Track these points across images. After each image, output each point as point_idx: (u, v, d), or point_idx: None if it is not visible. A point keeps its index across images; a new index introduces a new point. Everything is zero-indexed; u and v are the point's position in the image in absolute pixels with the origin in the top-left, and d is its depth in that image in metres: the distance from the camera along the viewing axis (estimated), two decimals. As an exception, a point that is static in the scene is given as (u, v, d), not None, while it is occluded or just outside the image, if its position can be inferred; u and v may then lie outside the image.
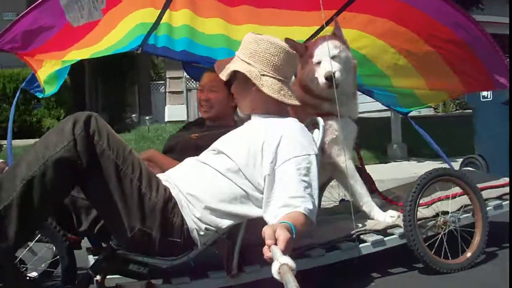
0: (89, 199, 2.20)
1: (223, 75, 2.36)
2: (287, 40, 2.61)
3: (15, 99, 3.09)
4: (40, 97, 3.12)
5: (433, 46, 3.21)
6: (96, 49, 2.92)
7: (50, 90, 3.02)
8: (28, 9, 2.38)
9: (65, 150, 1.97)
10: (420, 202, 2.82)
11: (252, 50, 2.31)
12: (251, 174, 2.20)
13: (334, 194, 3.68)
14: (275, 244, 1.44)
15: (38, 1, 2.38)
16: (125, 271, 2.41)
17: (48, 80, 2.90)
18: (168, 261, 2.27)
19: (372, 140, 7.28)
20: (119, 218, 2.11)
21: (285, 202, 1.98)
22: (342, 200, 3.63)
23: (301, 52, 2.81)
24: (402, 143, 7.35)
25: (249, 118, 2.48)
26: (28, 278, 2.39)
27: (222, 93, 2.90)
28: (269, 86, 2.28)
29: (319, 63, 2.81)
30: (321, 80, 2.78)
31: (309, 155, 2.15)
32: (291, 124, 2.29)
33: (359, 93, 3.31)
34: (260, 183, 2.17)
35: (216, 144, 2.39)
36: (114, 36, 2.95)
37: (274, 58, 2.31)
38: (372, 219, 2.91)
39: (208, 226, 2.22)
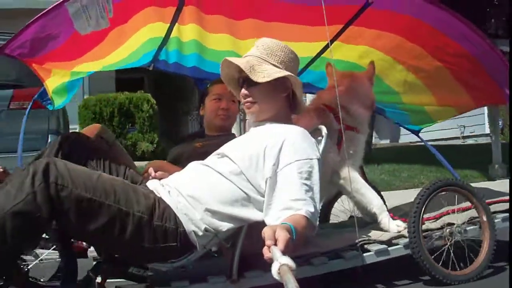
0: (76, 238, 2.28)
1: (259, 78, 2.30)
2: None
3: (28, 109, 3.17)
4: (51, 109, 3.18)
5: (441, 61, 3.22)
6: (106, 62, 2.97)
7: (59, 101, 3.09)
8: (37, 16, 2.45)
9: (23, 203, 1.95)
10: (428, 216, 2.80)
11: (282, 57, 2.36)
12: (253, 177, 2.21)
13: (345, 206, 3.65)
14: (275, 244, 1.45)
15: (47, 9, 2.45)
16: (125, 274, 2.44)
17: (57, 91, 2.96)
18: (167, 264, 2.28)
19: (474, 160, 7.73)
20: (109, 245, 2.17)
21: (287, 205, 1.99)
22: (351, 217, 3.60)
23: None
24: (502, 163, 7.51)
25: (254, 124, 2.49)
26: (35, 280, 2.42)
27: (237, 105, 2.96)
28: (299, 96, 2.38)
29: None
30: None
31: (311, 159, 2.15)
32: (294, 129, 2.31)
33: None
34: (261, 186, 2.18)
35: (222, 149, 2.41)
36: (125, 50, 3.00)
37: (295, 68, 2.41)
38: (379, 228, 2.89)
39: (207, 227, 2.22)
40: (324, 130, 2.60)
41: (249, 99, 2.39)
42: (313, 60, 3.57)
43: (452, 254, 2.72)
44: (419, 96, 3.59)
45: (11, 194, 1.98)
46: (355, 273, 2.72)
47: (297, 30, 3.20)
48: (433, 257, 2.69)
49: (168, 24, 3.09)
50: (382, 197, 3.26)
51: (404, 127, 4.16)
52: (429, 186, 2.80)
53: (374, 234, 2.82)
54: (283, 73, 2.31)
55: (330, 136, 2.88)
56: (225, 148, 2.39)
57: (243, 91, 2.40)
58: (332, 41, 3.17)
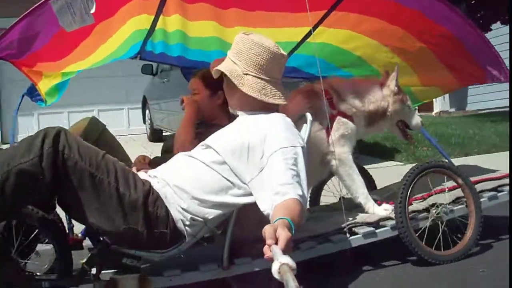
0: (70, 212, 2.32)
1: (214, 74, 2.44)
2: None
3: (18, 105, 3.19)
4: (42, 106, 3.22)
5: (425, 42, 3.25)
6: (95, 60, 2.98)
7: (51, 100, 3.13)
8: (22, 16, 2.46)
9: (29, 163, 2.05)
10: (415, 197, 2.86)
11: (238, 49, 2.38)
12: (236, 167, 2.26)
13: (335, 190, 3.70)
14: (276, 243, 1.45)
15: (31, 8, 2.46)
16: (119, 265, 2.48)
17: (50, 92, 2.99)
18: (159, 254, 2.34)
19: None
20: (103, 221, 2.21)
21: (276, 190, 2.00)
22: (342, 198, 3.65)
23: None
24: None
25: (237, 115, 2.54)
26: (30, 273, 2.47)
27: (202, 94, 2.98)
28: (250, 85, 2.33)
29: None
30: None
31: (295, 146, 2.19)
32: (276, 119, 2.34)
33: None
34: (245, 176, 2.23)
35: (206, 140, 2.46)
36: (111, 45, 3.01)
37: (257, 58, 2.35)
38: (366, 212, 2.95)
39: (194, 217, 2.27)
40: (309, 117, 2.63)
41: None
42: (298, 45, 3.58)
43: (440, 234, 2.78)
44: (405, 77, 3.60)
45: (20, 152, 2.09)
46: (343, 256, 2.77)
47: (280, 17, 3.21)
48: (420, 237, 2.75)
49: (153, 16, 3.10)
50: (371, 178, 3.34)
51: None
52: (415, 168, 2.85)
53: (362, 217, 2.88)
54: (221, 66, 2.36)
55: (320, 118, 2.94)
56: (209, 139, 2.44)
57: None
58: (316, 26, 3.22)
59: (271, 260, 1.36)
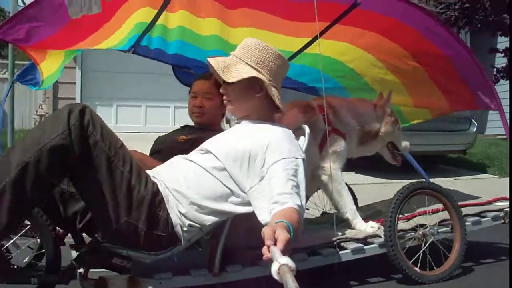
0: (78, 189, 2.24)
1: (230, 78, 2.33)
2: None
3: (6, 92, 3.14)
4: (34, 89, 3.18)
5: (420, 62, 3.31)
6: (102, 46, 2.97)
7: (46, 85, 3.08)
8: (29, 3, 2.43)
9: (60, 138, 2.03)
10: (401, 216, 2.90)
11: (260, 58, 2.34)
12: (237, 175, 2.24)
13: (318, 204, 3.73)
14: (275, 244, 1.45)
15: (40, -4, 2.44)
16: (108, 265, 2.44)
17: (51, 75, 2.95)
18: (151, 256, 2.30)
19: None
20: (107, 208, 2.15)
21: (274, 199, 2.00)
22: (324, 213, 3.68)
23: None
24: None
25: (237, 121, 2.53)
26: (12, 266, 2.41)
27: (216, 101, 2.94)
28: (277, 96, 2.34)
29: None
30: None
31: (296, 158, 2.19)
32: (278, 131, 2.34)
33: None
34: (244, 184, 2.22)
35: (204, 145, 2.43)
36: (117, 36, 2.99)
37: (278, 69, 2.36)
38: (354, 228, 2.98)
39: (191, 223, 2.26)
40: (307, 129, 2.66)
41: (225, 97, 2.44)
42: (295, 54, 3.60)
43: (428, 254, 2.84)
44: (397, 96, 3.66)
45: (47, 130, 2.07)
46: (330, 270, 2.79)
47: (285, 25, 3.23)
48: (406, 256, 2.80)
49: (156, 10, 3.07)
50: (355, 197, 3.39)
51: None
52: (405, 188, 2.90)
53: (350, 232, 2.91)
54: (252, 73, 2.31)
55: (314, 134, 2.97)
56: (208, 144, 2.40)
57: (221, 89, 2.44)
58: (315, 38, 3.22)
59: (270, 260, 1.36)
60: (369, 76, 3.63)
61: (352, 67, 3.60)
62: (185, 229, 2.26)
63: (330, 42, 3.42)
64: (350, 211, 3.02)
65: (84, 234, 2.53)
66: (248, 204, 2.23)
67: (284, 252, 1.41)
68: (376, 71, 3.55)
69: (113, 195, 2.14)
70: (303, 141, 2.62)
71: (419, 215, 3.04)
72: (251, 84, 2.33)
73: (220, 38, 3.37)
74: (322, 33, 3.29)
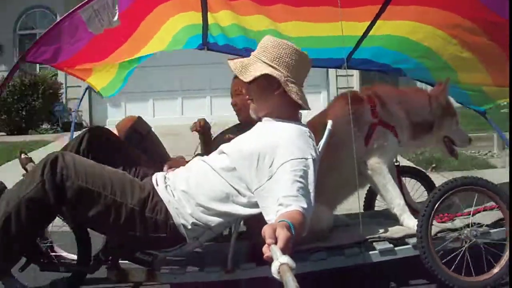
0: (81, 224, 2.60)
1: (247, 77, 2.36)
2: None
3: (80, 98, 3.46)
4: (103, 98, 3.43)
5: (489, 35, 2.97)
6: (145, 52, 3.12)
7: (108, 94, 3.35)
8: (53, 24, 2.66)
9: (34, 190, 2.27)
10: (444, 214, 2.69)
11: (276, 55, 2.33)
12: (246, 175, 2.27)
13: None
14: (275, 243, 1.45)
15: (60, 19, 2.66)
16: (132, 258, 2.65)
17: (106, 87, 3.22)
18: (161, 253, 2.48)
19: None
20: (107, 231, 2.45)
21: (280, 201, 1.99)
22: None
23: None
24: None
25: (259, 120, 2.53)
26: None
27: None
28: (295, 92, 2.31)
29: None
30: None
31: (306, 159, 2.15)
32: (291, 130, 2.31)
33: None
34: (252, 184, 2.24)
35: (223, 145, 2.49)
36: (160, 39, 3.12)
37: (297, 64, 2.33)
38: (401, 225, 2.83)
39: (196, 221, 2.34)
40: (329, 125, 2.58)
41: (247, 96, 2.46)
42: (361, 39, 3.44)
43: (469, 259, 2.57)
44: (475, 74, 3.33)
45: (25, 183, 2.34)
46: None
47: (331, 12, 3.10)
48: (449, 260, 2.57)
49: (200, 12, 3.15)
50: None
51: (469, 107, 3.88)
52: (446, 183, 2.65)
53: (391, 231, 2.76)
54: (265, 70, 2.28)
55: (360, 126, 2.85)
56: (225, 145, 2.46)
57: (244, 90, 2.47)
58: (374, 21, 3.14)
59: (270, 259, 1.35)
60: (446, 54, 3.33)
61: (427, 45, 3.33)
62: (189, 227, 2.35)
63: (397, 22, 3.22)
64: (397, 206, 2.86)
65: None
66: (254, 206, 2.27)
67: (284, 251, 1.40)
68: (452, 48, 3.24)
69: (104, 220, 2.33)
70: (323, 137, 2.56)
71: (469, 214, 2.73)
72: (269, 82, 2.32)
73: (276, 31, 3.34)
74: (377, 16, 3.14)
